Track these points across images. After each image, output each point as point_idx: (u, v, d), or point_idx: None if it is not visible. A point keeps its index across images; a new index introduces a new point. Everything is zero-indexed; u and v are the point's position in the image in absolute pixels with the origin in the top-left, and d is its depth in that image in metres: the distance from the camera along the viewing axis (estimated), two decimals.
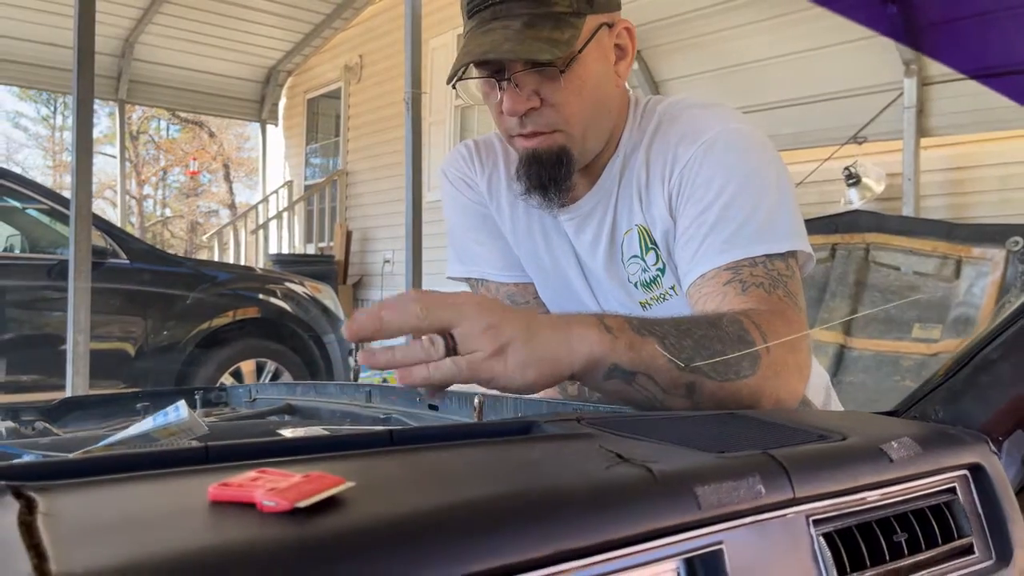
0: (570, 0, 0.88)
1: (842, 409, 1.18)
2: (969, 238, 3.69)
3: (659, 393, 0.72)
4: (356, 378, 5.36)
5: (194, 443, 0.57)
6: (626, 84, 1.03)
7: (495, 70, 0.91)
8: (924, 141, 4.14)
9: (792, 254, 0.89)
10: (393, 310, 0.63)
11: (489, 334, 0.64)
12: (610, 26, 0.94)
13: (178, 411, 0.60)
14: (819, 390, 1.11)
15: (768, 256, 0.87)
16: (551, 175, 0.93)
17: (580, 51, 0.89)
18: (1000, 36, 3.61)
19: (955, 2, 3.63)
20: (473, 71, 0.93)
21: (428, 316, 0.63)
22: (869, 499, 0.52)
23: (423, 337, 0.64)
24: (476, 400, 0.82)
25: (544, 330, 0.69)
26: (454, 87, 0.95)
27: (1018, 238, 3.54)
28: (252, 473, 0.38)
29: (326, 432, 0.84)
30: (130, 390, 1.78)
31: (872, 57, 4.06)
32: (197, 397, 1.49)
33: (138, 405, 1.37)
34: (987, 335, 0.64)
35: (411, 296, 0.65)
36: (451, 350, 0.63)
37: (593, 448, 0.49)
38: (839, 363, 3.76)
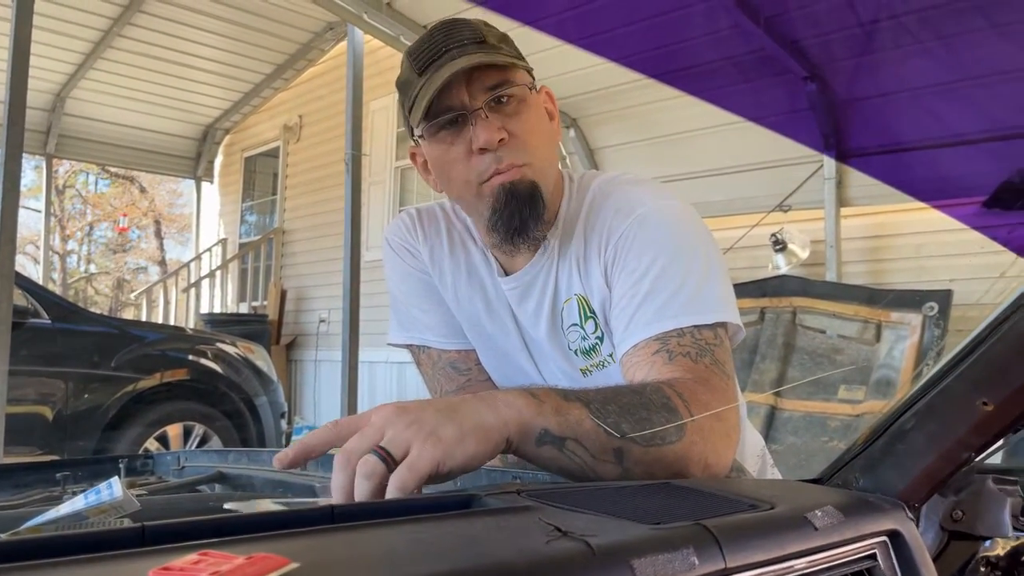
0: (512, 50, 0.98)
1: (778, 473, 1.22)
2: (888, 303, 3.88)
3: (589, 459, 0.73)
4: (288, 443, 5.22)
5: (126, 522, 0.56)
6: (563, 152, 1.10)
7: (455, 118, 0.94)
8: (844, 211, 4.36)
9: (721, 324, 0.92)
10: (311, 434, 0.68)
11: (414, 427, 0.64)
12: (537, 90, 1.02)
13: (111, 488, 0.58)
14: (754, 456, 1.14)
15: (696, 326, 0.90)
16: (530, 208, 0.96)
17: (531, 90, 0.98)
18: (910, 114, 3.87)
19: (869, 81, 3.88)
20: (438, 119, 0.95)
21: (340, 425, 0.67)
22: (796, 567, 0.54)
23: (358, 462, 0.63)
24: None
25: (468, 402, 0.69)
26: (416, 132, 0.99)
27: (933, 303, 3.73)
28: (194, 556, 0.38)
29: (275, 505, 0.82)
30: (48, 459, 1.70)
31: (795, 130, 4.29)
32: (121, 465, 1.43)
33: (58, 475, 1.31)
34: (902, 405, 0.68)
35: (328, 428, 0.68)
36: (388, 460, 0.62)
37: (533, 521, 0.50)
38: (770, 425, 3.85)
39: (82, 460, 1.51)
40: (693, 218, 0.99)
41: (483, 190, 0.97)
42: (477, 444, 0.66)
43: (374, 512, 0.53)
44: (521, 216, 0.96)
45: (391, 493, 0.60)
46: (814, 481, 0.74)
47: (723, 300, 0.94)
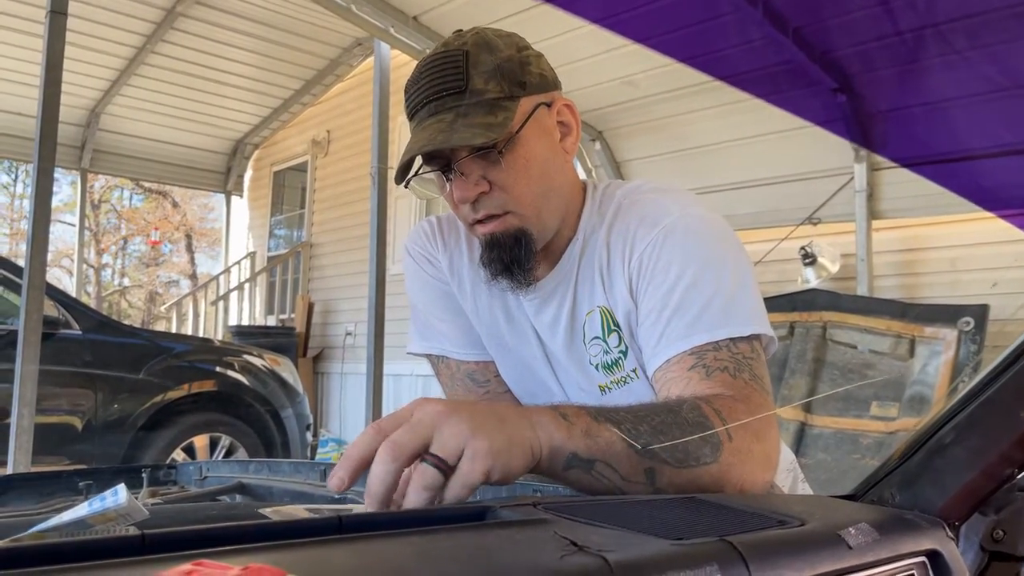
0: (501, 86, 0.91)
1: (809, 488, 1.18)
2: (921, 318, 3.79)
3: (619, 480, 0.70)
4: (313, 455, 5.23)
5: (131, 530, 0.54)
6: (589, 164, 1.06)
7: (442, 165, 0.93)
8: (875, 223, 4.28)
9: (756, 337, 0.89)
10: (356, 446, 0.63)
11: (467, 429, 0.62)
12: (548, 105, 0.96)
13: (116, 495, 0.57)
14: (785, 472, 1.10)
15: (731, 339, 0.86)
16: (512, 256, 0.94)
17: (518, 132, 0.91)
18: (942, 126, 3.79)
19: (900, 93, 3.81)
20: (423, 168, 0.95)
21: (382, 428, 0.63)
22: None
23: (413, 475, 0.62)
24: None
25: (511, 413, 0.68)
26: (406, 186, 0.97)
27: (969, 318, 3.64)
28: (187, 566, 0.36)
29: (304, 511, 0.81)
30: (73, 467, 1.71)
31: (824, 142, 4.23)
32: (144, 475, 1.43)
33: (81, 484, 1.31)
34: (940, 418, 0.65)
35: (371, 435, 0.63)
36: (444, 469, 0.61)
37: (548, 535, 0.48)
38: (800, 441, 3.77)
39: (105, 469, 1.51)
40: (721, 227, 0.96)
41: (473, 231, 0.99)
42: (521, 458, 0.65)
43: (384, 523, 0.51)
44: (503, 262, 0.95)
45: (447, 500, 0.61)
46: (847, 497, 0.71)
47: (756, 311, 0.90)
